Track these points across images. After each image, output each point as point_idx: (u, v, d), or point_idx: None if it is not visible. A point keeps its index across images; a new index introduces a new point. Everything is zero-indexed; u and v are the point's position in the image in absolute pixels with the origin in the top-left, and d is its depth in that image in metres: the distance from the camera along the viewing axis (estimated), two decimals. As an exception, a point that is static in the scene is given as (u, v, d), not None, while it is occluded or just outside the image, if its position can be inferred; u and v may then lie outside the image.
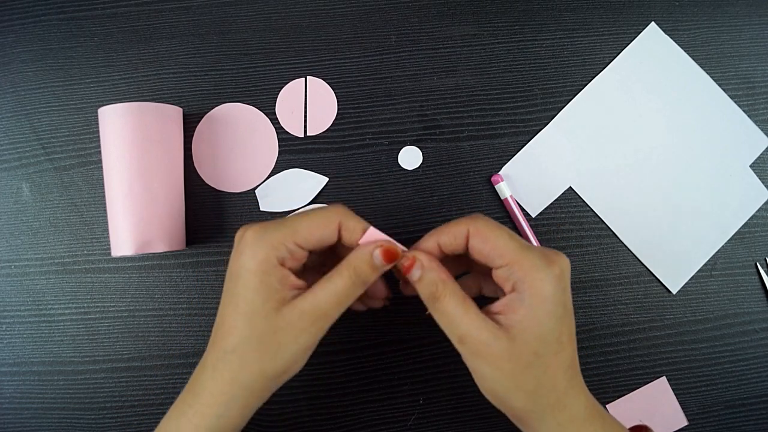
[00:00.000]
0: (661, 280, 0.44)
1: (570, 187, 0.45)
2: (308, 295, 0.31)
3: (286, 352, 0.31)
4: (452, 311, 0.31)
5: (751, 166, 0.45)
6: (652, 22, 0.46)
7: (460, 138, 0.45)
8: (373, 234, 0.32)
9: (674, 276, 0.44)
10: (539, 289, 0.29)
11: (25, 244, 0.44)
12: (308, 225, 0.31)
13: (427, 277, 0.31)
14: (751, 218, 0.45)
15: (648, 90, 0.45)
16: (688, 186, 0.45)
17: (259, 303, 0.30)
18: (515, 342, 0.29)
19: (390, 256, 0.32)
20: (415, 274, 0.32)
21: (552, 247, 0.43)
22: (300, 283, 0.31)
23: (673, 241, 0.44)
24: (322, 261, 0.36)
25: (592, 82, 0.45)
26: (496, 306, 0.31)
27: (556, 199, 0.44)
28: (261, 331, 0.30)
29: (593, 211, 0.44)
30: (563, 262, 0.31)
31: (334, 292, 0.31)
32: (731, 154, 0.45)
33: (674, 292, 0.44)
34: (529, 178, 0.44)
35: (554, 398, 0.30)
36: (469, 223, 0.32)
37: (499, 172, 0.44)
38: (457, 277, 0.33)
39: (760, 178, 0.45)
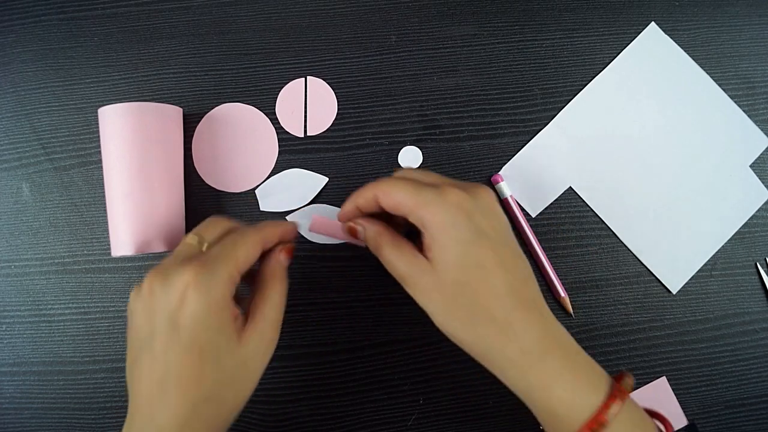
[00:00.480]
0: (661, 280, 0.44)
1: (570, 187, 0.45)
2: (258, 317, 0.33)
3: (255, 375, 0.32)
4: (389, 256, 0.33)
5: (751, 166, 0.45)
6: (652, 22, 0.46)
7: (460, 138, 0.45)
8: (318, 220, 0.39)
9: (674, 276, 0.44)
10: (436, 220, 0.31)
11: (25, 244, 0.44)
12: (245, 253, 0.33)
13: (368, 233, 0.35)
14: (751, 218, 0.45)
15: (648, 90, 0.45)
16: (688, 186, 0.45)
17: (224, 342, 0.30)
18: (438, 273, 0.31)
19: (291, 251, 0.37)
20: (361, 234, 0.36)
21: (551, 246, 0.44)
22: (237, 310, 0.32)
23: (673, 241, 0.44)
24: None
25: (592, 82, 0.45)
26: (423, 245, 0.33)
27: (556, 199, 0.44)
28: (232, 368, 0.31)
29: (593, 211, 0.44)
30: (471, 191, 0.32)
31: (278, 304, 0.34)
32: (731, 154, 0.45)
33: (674, 292, 0.44)
34: (529, 178, 0.44)
35: (495, 329, 0.31)
36: (375, 186, 0.34)
37: (499, 172, 0.44)
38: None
39: (760, 178, 0.45)
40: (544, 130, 0.45)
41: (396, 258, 0.33)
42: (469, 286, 0.31)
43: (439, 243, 0.31)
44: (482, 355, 0.32)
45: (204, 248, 0.33)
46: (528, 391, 0.31)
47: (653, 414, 0.33)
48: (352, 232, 0.36)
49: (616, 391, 0.30)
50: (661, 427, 0.32)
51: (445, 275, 0.31)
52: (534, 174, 0.45)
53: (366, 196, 0.35)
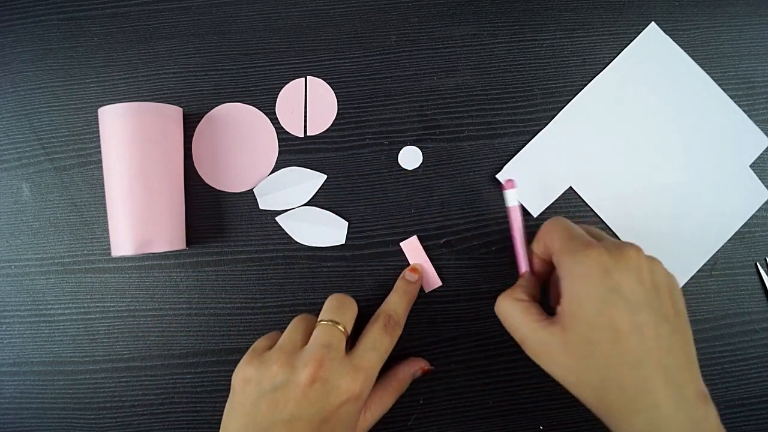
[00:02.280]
0: None
1: (570, 187, 0.45)
2: (369, 415, 0.37)
3: None
4: (513, 314, 0.34)
5: (751, 166, 0.45)
6: (653, 22, 0.46)
7: (460, 138, 0.45)
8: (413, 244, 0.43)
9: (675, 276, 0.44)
10: (572, 269, 0.31)
11: (25, 244, 0.44)
12: (383, 360, 0.37)
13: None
14: (751, 218, 0.45)
15: (648, 90, 0.45)
16: (688, 186, 0.45)
17: None
18: (568, 332, 0.31)
19: (427, 371, 0.41)
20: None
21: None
22: None
23: (672, 241, 0.44)
24: None
25: (592, 82, 0.45)
26: (556, 297, 0.33)
27: (556, 200, 0.44)
28: None
29: (593, 211, 0.44)
30: (617, 250, 0.31)
31: (385, 409, 0.38)
32: (731, 154, 0.45)
33: None
34: (529, 178, 0.44)
35: (624, 400, 0.29)
36: (546, 224, 0.36)
37: (500, 173, 0.44)
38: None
39: (760, 178, 0.45)
40: (544, 129, 0.45)
41: (519, 318, 0.34)
42: (600, 349, 0.30)
43: (572, 294, 0.31)
44: (608, 421, 0.31)
45: (348, 332, 0.37)
46: None
47: None
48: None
49: None
50: None
51: (575, 333, 0.30)
52: (534, 174, 0.45)
53: (544, 242, 0.36)
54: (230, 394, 0.36)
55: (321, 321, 0.36)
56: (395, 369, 0.40)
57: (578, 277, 0.31)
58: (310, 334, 0.36)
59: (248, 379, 0.34)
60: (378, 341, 0.36)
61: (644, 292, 0.31)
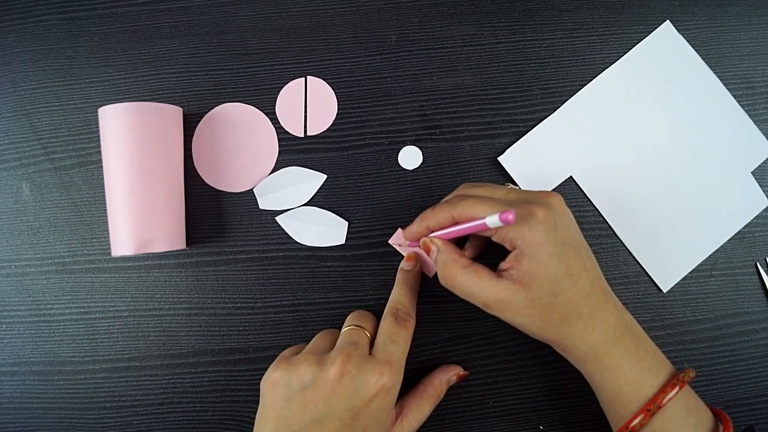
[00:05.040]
0: (653, 277, 0.44)
1: (570, 176, 0.44)
2: (405, 422, 0.37)
3: None
4: (467, 282, 0.35)
5: (753, 173, 0.45)
6: (667, 21, 0.46)
7: (460, 138, 0.45)
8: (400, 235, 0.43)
9: (666, 275, 0.44)
10: (531, 239, 0.33)
11: (25, 244, 0.44)
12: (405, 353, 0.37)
13: (440, 257, 0.37)
14: (751, 218, 0.45)
15: (657, 88, 0.45)
16: (688, 187, 0.45)
17: None
18: (531, 289, 0.33)
19: (461, 378, 0.41)
20: (434, 253, 0.37)
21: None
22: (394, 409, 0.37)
23: (668, 240, 0.44)
24: None
25: (601, 74, 0.45)
26: (506, 263, 0.34)
27: (555, 187, 0.44)
28: None
29: (593, 205, 0.44)
30: (547, 203, 0.34)
31: (422, 417, 0.38)
32: (734, 158, 0.45)
33: (665, 290, 0.44)
34: (531, 164, 0.44)
35: (581, 325, 0.33)
36: (450, 209, 0.35)
37: (500, 157, 0.44)
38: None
39: (760, 185, 0.45)
40: (549, 117, 0.45)
41: (477, 286, 0.34)
42: (563, 295, 0.33)
43: (534, 260, 0.33)
44: (567, 348, 0.35)
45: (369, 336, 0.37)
46: (601, 374, 0.34)
47: (717, 412, 0.35)
48: (426, 248, 0.38)
49: (675, 378, 0.33)
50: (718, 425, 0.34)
51: (539, 290, 0.33)
52: (536, 159, 0.44)
53: (439, 218, 0.36)
54: (260, 402, 0.36)
55: (345, 328, 0.38)
56: (430, 376, 0.40)
57: (538, 244, 0.33)
58: (335, 342, 0.37)
59: (276, 382, 0.35)
60: (394, 334, 0.36)
61: (575, 232, 0.35)
